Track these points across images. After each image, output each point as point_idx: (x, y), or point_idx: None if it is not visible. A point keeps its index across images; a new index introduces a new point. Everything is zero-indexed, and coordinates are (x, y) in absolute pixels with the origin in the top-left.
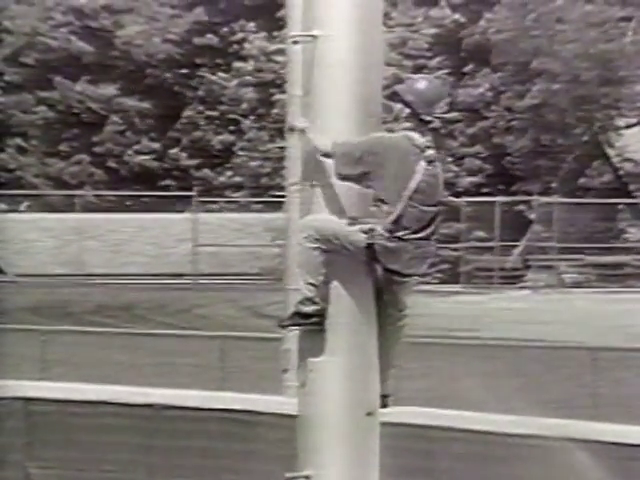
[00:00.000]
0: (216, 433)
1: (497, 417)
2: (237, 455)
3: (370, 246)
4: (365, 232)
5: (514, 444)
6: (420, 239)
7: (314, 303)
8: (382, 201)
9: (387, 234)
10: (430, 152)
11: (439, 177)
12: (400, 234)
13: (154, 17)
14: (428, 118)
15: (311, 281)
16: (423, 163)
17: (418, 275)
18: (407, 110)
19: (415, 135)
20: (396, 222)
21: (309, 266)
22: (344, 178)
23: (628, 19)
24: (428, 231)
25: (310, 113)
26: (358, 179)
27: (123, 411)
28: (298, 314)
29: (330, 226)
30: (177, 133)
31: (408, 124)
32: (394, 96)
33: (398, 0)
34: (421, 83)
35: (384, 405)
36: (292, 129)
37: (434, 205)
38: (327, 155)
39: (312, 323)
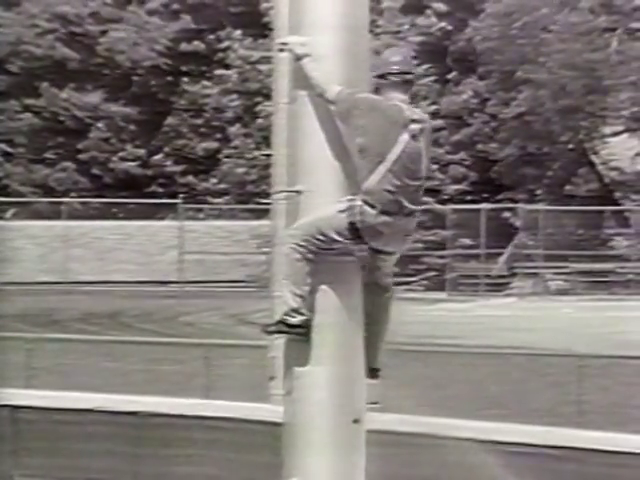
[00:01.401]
0: (202, 441)
1: (482, 424)
2: (223, 463)
3: (353, 225)
4: (345, 210)
5: (499, 451)
6: (401, 214)
7: (300, 314)
8: (365, 164)
9: (366, 207)
10: (415, 126)
11: (422, 152)
12: (380, 207)
13: (141, 26)
14: (409, 77)
15: (297, 292)
16: (406, 136)
17: (400, 252)
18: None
19: (404, 107)
20: (374, 193)
21: (295, 277)
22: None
23: (613, 29)
24: (410, 206)
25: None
26: (352, 130)
27: (109, 419)
28: (284, 324)
29: (312, 224)
30: (162, 140)
31: (395, 94)
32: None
33: (385, 8)
34: (396, 55)
35: (374, 377)
36: (283, 49)
37: (416, 180)
38: (327, 100)
39: (297, 333)
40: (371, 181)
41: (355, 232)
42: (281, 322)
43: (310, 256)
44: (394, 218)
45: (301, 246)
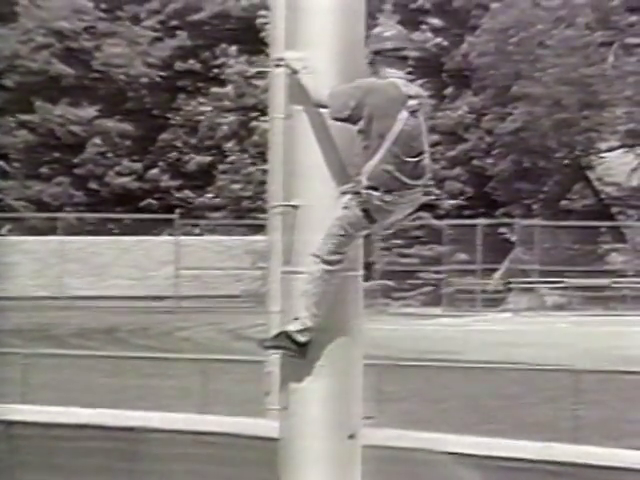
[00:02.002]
0: (198, 456)
1: (479, 440)
2: (219, 478)
3: (366, 212)
4: (352, 202)
5: (495, 467)
6: (403, 189)
7: (309, 334)
8: (366, 148)
9: (371, 190)
10: (413, 102)
11: (421, 128)
12: (383, 188)
13: (136, 41)
14: (405, 53)
15: (315, 312)
16: (405, 113)
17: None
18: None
19: (401, 82)
20: (375, 175)
21: (316, 297)
22: (339, 120)
23: (609, 44)
24: (410, 182)
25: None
26: (353, 121)
27: (105, 434)
28: (292, 341)
29: (329, 236)
30: (157, 155)
31: (391, 70)
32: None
33: (380, 23)
34: (389, 31)
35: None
36: (279, 64)
37: (415, 156)
38: (322, 106)
39: (299, 351)
40: (371, 163)
41: (369, 217)
42: (288, 338)
43: (338, 266)
44: (398, 194)
45: (328, 262)
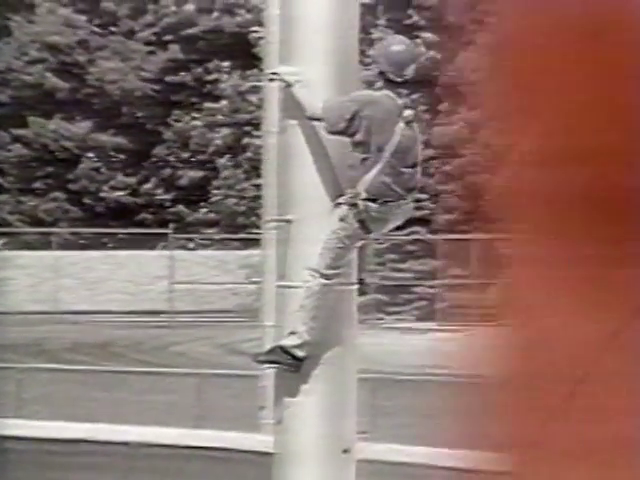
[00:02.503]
0: (193, 471)
1: (473, 454)
2: None
3: (363, 223)
4: (348, 213)
5: None
6: (400, 199)
7: (307, 348)
8: (364, 160)
9: (368, 202)
10: (408, 113)
11: (417, 139)
12: (380, 200)
13: (130, 55)
14: (399, 79)
15: (312, 326)
16: (401, 124)
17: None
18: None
19: (394, 95)
20: (373, 186)
21: (315, 311)
22: (334, 133)
23: None
24: (405, 193)
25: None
26: (348, 134)
27: (99, 449)
28: (291, 356)
29: (325, 249)
30: (151, 170)
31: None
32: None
33: (374, 38)
34: (395, 46)
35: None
36: (273, 78)
37: (411, 167)
38: (316, 119)
39: (296, 366)
40: (370, 175)
41: (365, 228)
42: (285, 352)
43: (336, 280)
44: (394, 205)
45: (327, 276)
